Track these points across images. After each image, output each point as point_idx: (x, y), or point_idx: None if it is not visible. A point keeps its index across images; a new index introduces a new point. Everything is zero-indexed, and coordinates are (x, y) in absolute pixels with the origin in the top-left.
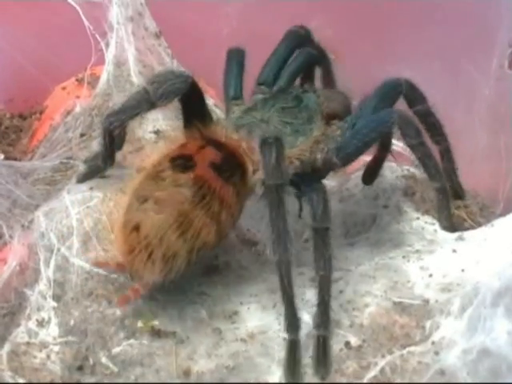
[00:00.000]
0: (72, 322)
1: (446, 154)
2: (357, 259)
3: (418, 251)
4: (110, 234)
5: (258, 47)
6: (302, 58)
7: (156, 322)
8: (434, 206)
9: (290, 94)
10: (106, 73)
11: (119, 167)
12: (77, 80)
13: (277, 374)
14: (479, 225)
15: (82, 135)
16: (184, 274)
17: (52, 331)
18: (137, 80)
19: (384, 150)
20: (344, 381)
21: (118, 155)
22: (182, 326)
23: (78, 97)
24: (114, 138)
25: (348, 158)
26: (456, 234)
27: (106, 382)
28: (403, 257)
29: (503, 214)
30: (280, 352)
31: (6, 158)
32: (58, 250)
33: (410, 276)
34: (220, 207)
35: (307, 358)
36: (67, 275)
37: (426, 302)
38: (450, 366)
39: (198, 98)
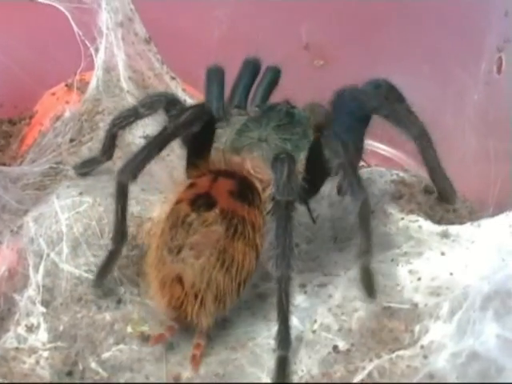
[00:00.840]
0: (61, 328)
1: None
2: (345, 264)
3: (406, 253)
4: (100, 239)
5: (248, 51)
6: (271, 75)
7: (146, 328)
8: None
9: (280, 110)
10: (95, 78)
11: (109, 172)
12: (66, 85)
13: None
14: None
15: (71, 140)
16: None
17: (41, 337)
18: (126, 85)
19: None
20: None
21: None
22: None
23: (67, 102)
24: (117, 134)
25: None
26: (441, 229)
27: None
28: (392, 260)
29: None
30: (270, 361)
31: None
32: (48, 255)
33: (398, 280)
34: (253, 232)
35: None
36: (56, 281)
37: (415, 306)
38: (439, 370)
39: (204, 133)
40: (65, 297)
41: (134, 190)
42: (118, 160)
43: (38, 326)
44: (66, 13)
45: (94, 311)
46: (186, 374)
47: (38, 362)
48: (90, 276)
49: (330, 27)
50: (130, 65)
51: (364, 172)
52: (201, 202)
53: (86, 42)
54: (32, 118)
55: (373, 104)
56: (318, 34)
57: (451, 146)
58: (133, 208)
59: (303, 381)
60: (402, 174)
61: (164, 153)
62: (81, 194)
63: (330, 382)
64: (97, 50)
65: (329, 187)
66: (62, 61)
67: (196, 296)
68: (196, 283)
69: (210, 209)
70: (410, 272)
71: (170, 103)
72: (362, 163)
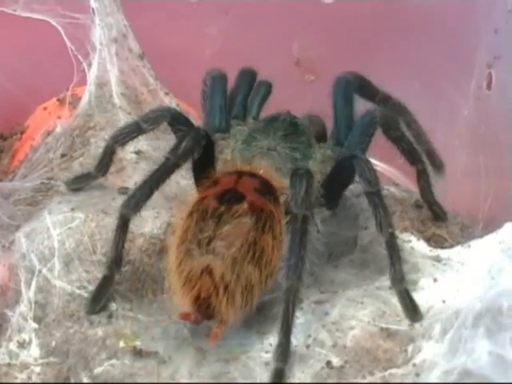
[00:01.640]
0: (53, 343)
1: (423, 174)
2: (343, 283)
3: None
4: (92, 255)
5: (240, 68)
6: (264, 89)
7: (138, 342)
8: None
9: (284, 120)
10: (87, 93)
11: (101, 188)
12: (58, 100)
13: None
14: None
15: (62, 156)
16: (167, 296)
17: (33, 352)
18: (118, 101)
19: None
20: None
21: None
22: (164, 346)
23: (59, 117)
24: (116, 150)
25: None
26: (432, 254)
27: None
28: (390, 287)
29: (483, 233)
30: (262, 374)
31: None
32: (40, 271)
33: (397, 309)
34: (279, 228)
35: None
36: (49, 297)
37: (411, 328)
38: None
39: (209, 150)
40: (57, 313)
41: None
42: (110, 176)
43: (30, 342)
44: (59, 28)
45: (86, 326)
46: None
47: (29, 378)
48: (83, 292)
49: (320, 43)
50: (122, 80)
51: (356, 187)
52: (228, 196)
53: (79, 57)
54: (23, 133)
55: (395, 134)
56: (309, 50)
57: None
58: None
59: None
60: (392, 189)
61: (155, 167)
62: (73, 209)
63: None
64: (89, 66)
65: None
66: (55, 76)
67: (226, 287)
68: (226, 274)
69: (239, 202)
70: None
71: (174, 118)
72: None
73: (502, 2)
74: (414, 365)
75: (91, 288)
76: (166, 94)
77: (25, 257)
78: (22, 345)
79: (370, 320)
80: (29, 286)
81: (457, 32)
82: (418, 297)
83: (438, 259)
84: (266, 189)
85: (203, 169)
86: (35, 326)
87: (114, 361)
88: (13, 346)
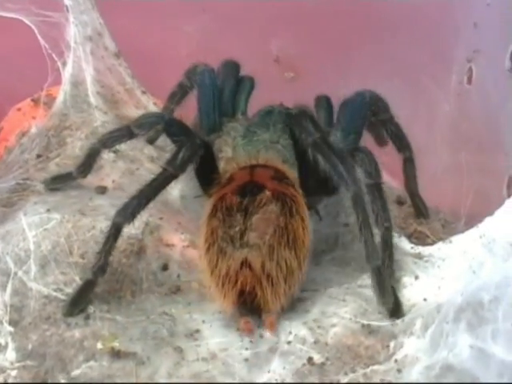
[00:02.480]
0: (30, 347)
1: (409, 162)
2: (324, 282)
3: None
4: (69, 257)
5: (218, 66)
6: (249, 84)
7: (116, 343)
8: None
9: (281, 113)
10: (62, 93)
11: (77, 187)
12: (33, 100)
13: None
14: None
15: (38, 156)
16: (146, 296)
17: (9, 356)
18: (94, 100)
19: None
20: None
21: None
22: (142, 347)
23: (33, 118)
24: (100, 152)
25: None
26: (414, 251)
27: None
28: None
29: (465, 229)
30: (241, 370)
31: None
32: (15, 274)
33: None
34: (304, 211)
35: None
36: (25, 300)
37: (393, 325)
38: (412, 383)
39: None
40: (33, 316)
41: (103, 204)
42: (89, 176)
43: (6, 346)
44: (33, 27)
45: (63, 329)
46: None
47: (6, 381)
48: (59, 295)
49: (300, 41)
50: (98, 79)
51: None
52: (248, 188)
53: (54, 56)
54: None
55: (384, 116)
56: (289, 48)
57: (424, 158)
58: (102, 224)
59: None
60: None
61: (133, 166)
62: (48, 210)
63: None
64: (64, 65)
65: None
66: (29, 75)
67: (268, 277)
68: (266, 263)
69: (261, 192)
70: None
71: (167, 124)
72: None
73: None
74: (396, 361)
75: (68, 290)
76: (143, 92)
77: (0, 259)
78: None
79: (351, 317)
80: (4, 288)
81: (436, 27)
82: (400, 295)
83: (419, 256)
84: (282, 176)
85: (206, 172)
86: (11, 329)
87: (91, 362)
88: None
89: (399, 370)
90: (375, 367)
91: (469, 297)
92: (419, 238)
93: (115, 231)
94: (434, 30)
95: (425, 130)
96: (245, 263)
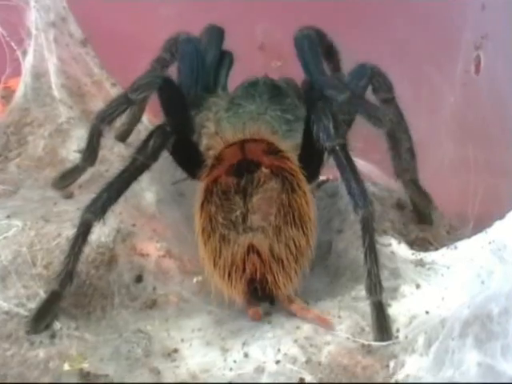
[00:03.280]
0: None
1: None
2: (316, 293)
3: None
4: (32, 268)
5: None
6: (228, 59)
7: (85, 364)
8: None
9: (265, 83)
10: (22, 85)
11: (40, 191)
12: None
13: None
14: None
15: None
16: (117, 312)
17: None
18: (58, 94)
19: None
20: None
21: (41, 179)
22: (114, 368)
23: None
24: (103, 131)
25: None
26: (415, 257)
27: None
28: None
29: (472, 234)
30: None
31: None
32: None
33: None
34: (305, 184)
35: None
36: None
37: (392, 343)
38: None
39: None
40: None
41: (69, 209)
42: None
43: None
44: None
45: (26, 348)
46: None
47: None
48: (21, 310)
49: (288, 25)
50: (63, 70)
51: (330, 186)
52: (243, 166)
53: (12, 45)
54: None
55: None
56: (275, 33)
57: (427, 153)
58: (68, 231)
59: None
60: (371, 187)
61: (102, 168)
62: (9, 216)
63: None
64: (24, 54)
65: None
66: None
67: (278, 260)
68: (274, 246)
69: (257, 169)
70: None
71: (166, 83)
72: (328, 177)
73: None
74: (397, 381)
75: (31, 305)
76: (113, 84)
77: None
78: None
79: (347, 335)
80: None
81: (440, 10)
82: (399, 305)
83: (421, 263)
84: (276, 149)
85: (188, 155)
86: None
87: None
88: None
89: None
90: None
91: (476, 309)
92: (421, 246)
93: (84, 230)
94: (438, 12)
95: (428, 122)
96: (251, 248)
